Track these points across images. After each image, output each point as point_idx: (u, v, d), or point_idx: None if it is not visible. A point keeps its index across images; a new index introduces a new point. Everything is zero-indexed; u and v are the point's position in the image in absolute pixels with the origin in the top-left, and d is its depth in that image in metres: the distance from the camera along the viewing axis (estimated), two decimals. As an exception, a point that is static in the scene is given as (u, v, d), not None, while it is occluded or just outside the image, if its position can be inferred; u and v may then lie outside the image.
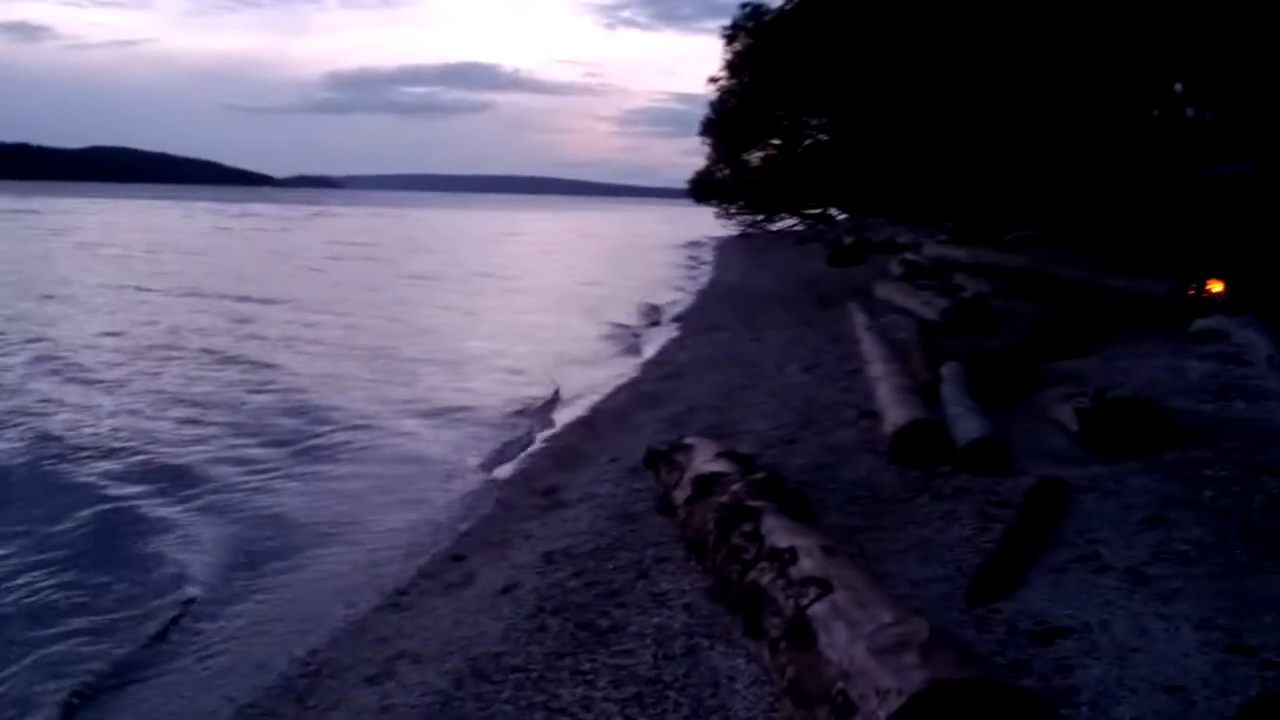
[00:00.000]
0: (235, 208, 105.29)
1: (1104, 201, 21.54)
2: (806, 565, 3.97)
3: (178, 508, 8.34)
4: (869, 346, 10.78)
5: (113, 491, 8.64)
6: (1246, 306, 10.34)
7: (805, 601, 3.70)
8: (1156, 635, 4.03)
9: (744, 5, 54.83)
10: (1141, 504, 5.55)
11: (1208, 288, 11.99)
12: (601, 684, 4.26)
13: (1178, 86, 22.54)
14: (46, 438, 10.29)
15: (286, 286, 27.30)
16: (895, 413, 7.56)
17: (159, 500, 8.50)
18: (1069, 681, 3.76)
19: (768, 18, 52.26)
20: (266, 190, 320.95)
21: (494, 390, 13.42)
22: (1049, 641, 4.10)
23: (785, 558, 4.11)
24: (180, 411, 11.84)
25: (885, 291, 17.56)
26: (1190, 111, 22.72)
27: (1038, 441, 7.21)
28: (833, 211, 55.20)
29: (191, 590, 6.56)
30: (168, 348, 16.34)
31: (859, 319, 13.51)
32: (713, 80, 57.69)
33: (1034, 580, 4.73)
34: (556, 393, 13.24)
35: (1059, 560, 4.94)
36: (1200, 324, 10.16)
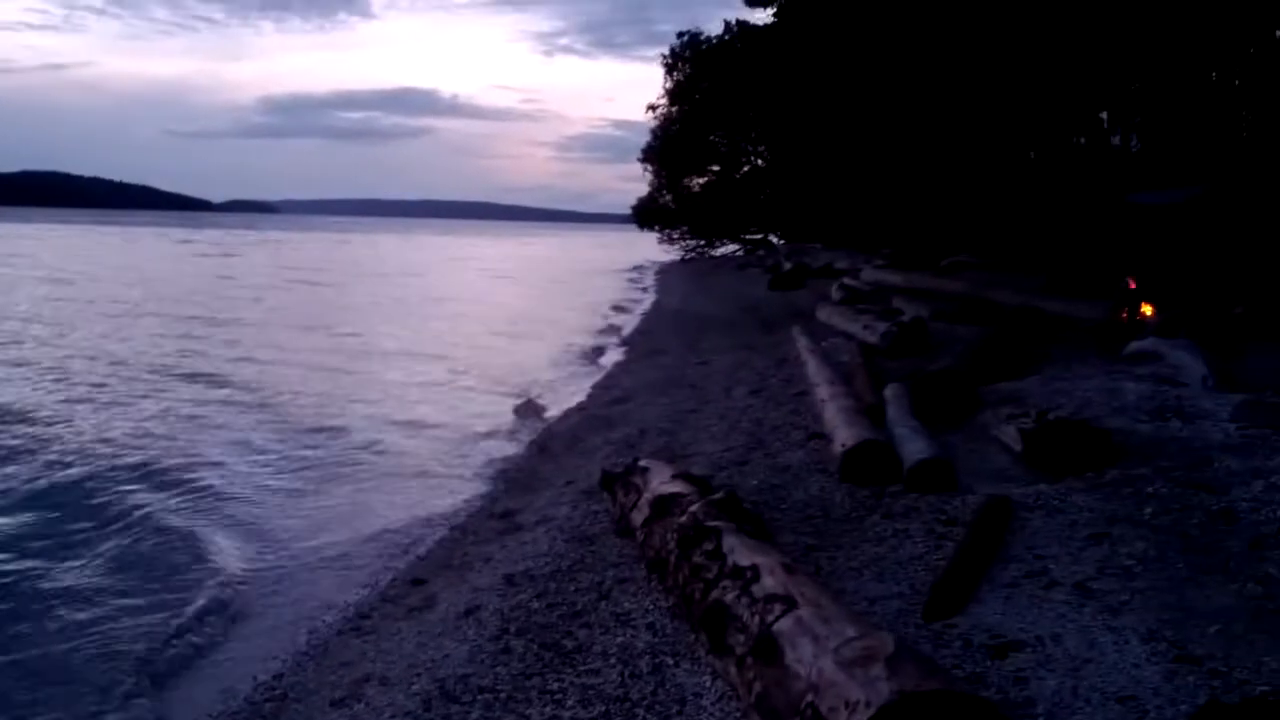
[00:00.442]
0: (179, 232, 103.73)
1: (1035, 227, 22.03)
2: (769, 583, 4.04)
3: (141, 518, 8.37)
4: (814, 369, 10.91)
5: (85, 504, 8.74)
6: (1179, 329, 10.63)
7: (770, 618, 3.77)
8: (1106, 647, 4.16)
9: (681, 35, 55.69)
10: (1085, 520, 5.72)
11: (1141, 311, 12.34)
12: (570, 703, 4.30)
13: (1103, 115, 23.22)
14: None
15: (252, 310, 27.36)
16: (844, 433, 7.68)
17: (129, 513, 8.54)
18: (1025, 693, 3.86)
19: (705, 48, 53.04)
20: (203, 215, 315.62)
21: (446, 415, 13.32)
22: (1004, 655, 4.20)
23: (748, 575, 4.18)
24: (153, 427, 11.98)
25: (826, 315, 17.76)
26: (1116, 140, 23.41)
27: (982, 461, 7.37)
28: (772, 237, 55.87)
29: (152, 616, 6.48)
30: (144, 369, 16.42)
31: (802, 343, 13.69)
32: (652, 108, 58.31)
33: (986, 596, 4.85)
34: (508, 417, 13.18)
35: (1009, 576, 5.07)
36: (1135, 346, 10.40)
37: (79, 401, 13.40)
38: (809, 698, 3.23)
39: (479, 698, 4.47)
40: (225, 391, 14.44)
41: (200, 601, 6.71)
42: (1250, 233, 13.42)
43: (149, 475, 9.88)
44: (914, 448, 7.16)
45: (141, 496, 9.16)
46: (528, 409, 13.53)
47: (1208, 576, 4.82)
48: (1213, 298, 12.09)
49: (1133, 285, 12.83)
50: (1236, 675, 3.85)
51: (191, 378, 15.57)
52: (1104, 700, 3.75)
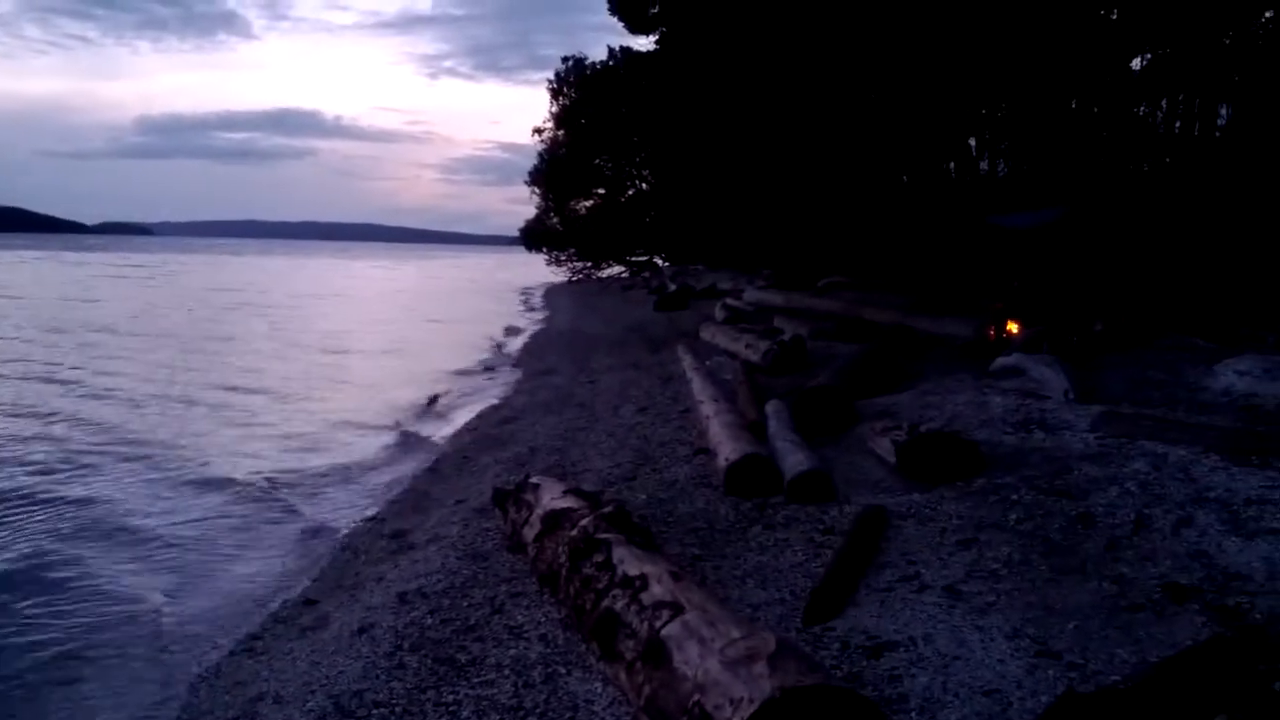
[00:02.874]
0: (70, 256, 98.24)
1: (908, 249, 22.76)
2: (657, 590, 4.17)
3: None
4: (699, 387, 11.12)
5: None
6: (1042, 345, 11.13)
7: (659, 623, 3.89)
8: (974, 645, 4.41)
9: (566, 60, 55.99)
10: (955, 527, 6.03)
11: (1006, 329, 12.89)
12: (465, 714, 4.37)
13: (971, 141, 24.14)
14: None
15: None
16: (728, 448, 7.90)
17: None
18: (899, 690, 4.08)
19: (590, 73, 53.48)
20: (78, 237, 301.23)
21: (336, 435, 13.10)
22: (879, 655, 4.43)
23: (637, 584, 4.31)
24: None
25: (710, 335, 18.06)
26: (984, 165, 24.37)
27: (859, 472, 7.64)
28: (658, 259, 56.44)
29: (38, 639, 6.31)
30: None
31: (687, 361, 13.95)
32: (538, 131, 58.41)
33: (862, 600, 5.09)
34: (399, 437, 13.03)
35: (884, 581, 5.32)
36: (1001, 362, 10.81)
37: None
38: (695, 697, 3.34)
39: (374, 712, 4.50)
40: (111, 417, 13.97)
41: (86, 624, 6.55)
42: (1108, 253, 14.15)
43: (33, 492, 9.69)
44: (794, 461, 7.41)
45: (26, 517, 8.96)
46: (419, 430, 13.45)
47: (1067, 577, 5.12)
48: (1074, 315, 12.68)
49: (999, 304, 13.39)
50: (1092, 667, 4.12)
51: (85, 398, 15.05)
52: (971, 694, 3.98)
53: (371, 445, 12.50)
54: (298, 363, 21.57)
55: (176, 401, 15.69)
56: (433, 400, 16.10)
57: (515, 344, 25.94)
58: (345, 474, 11.02)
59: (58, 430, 12.82)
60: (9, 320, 28.09)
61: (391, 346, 25.20)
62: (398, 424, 13.93)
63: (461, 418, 14.13)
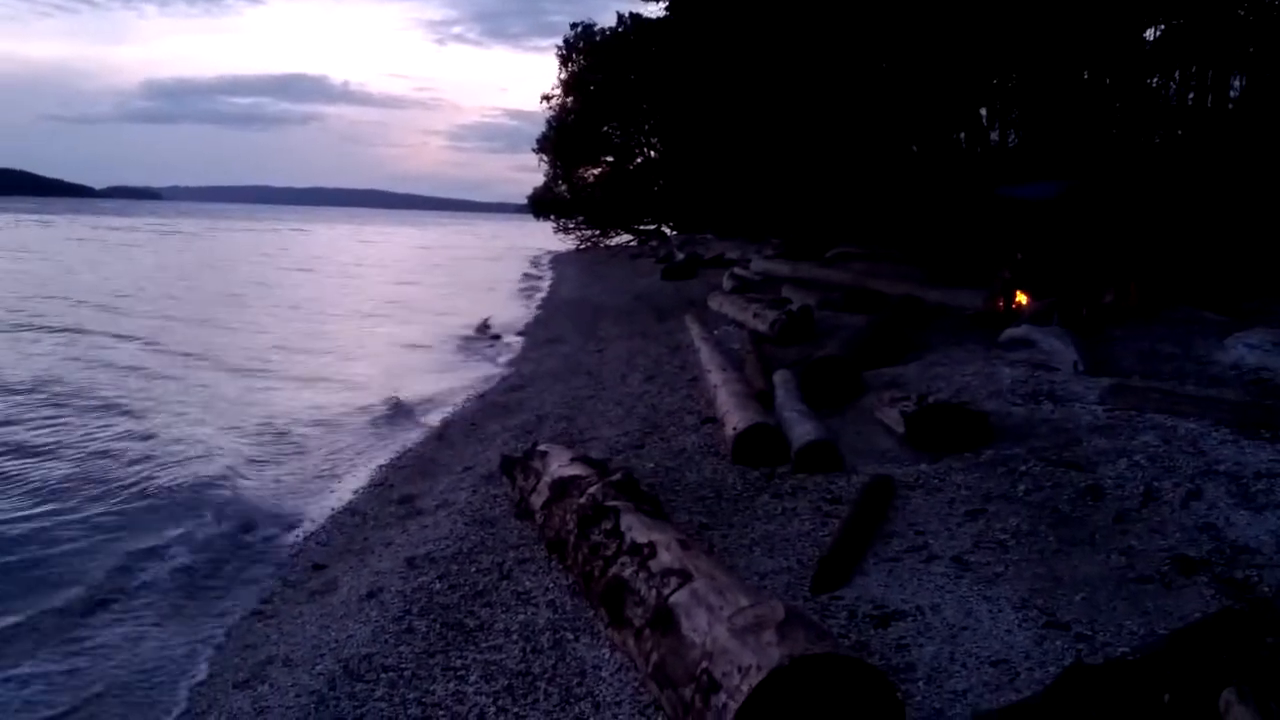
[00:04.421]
0: (90, 219, 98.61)
1: (916, 219, 22.63)
2: (665, 558, 4.18)
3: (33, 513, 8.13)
4: (707, 356, 11.12)
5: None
6: (1051, 317, 11.08)
7: (667, 591, 3.91)
8: (982, 615, 4.42)
9: (575, 26, 55.65)
10: (963, 498, 6.02)
11: (1015, 300, 12.84)
12: (473, 678, 4.40)
13: (982, 111, 23.97)
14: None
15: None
16: (736, 417, 7.89)
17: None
18: (907, 659, 4.10)
19: (599, 39, 53.16)
20: (88, 201, 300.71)
21: (346, 401, 13.14)
22: (886, 624, 4.44)
23: (645, 552, 4.32)
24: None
25: (718, 304, 18.02)
26: (995, 135, 24.20)
27: (867, 442, 7.64)
28: (665, 228, 56.26)
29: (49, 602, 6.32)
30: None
31: (695, 330, 13.93)
32: (546, 98, 58.12)
33: (870, 569, 5.09)
34: (407, 404, 13.05)
35: (892, 551, 5.32)
36: (1010, 333, 10.78)
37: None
38: (704, 665, 3.36)
39: (383, 676, 4.54)
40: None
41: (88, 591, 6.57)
42: (1118, 225, 14.06)
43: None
44: (801, 430, 7.41)
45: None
46: (428, 397, 13.47)
47: (1075, 548, 5.12)
48: (1083, 287, 12.61)
49: (1007, 275, 13.33)
50: (1100, 638, 4.12)
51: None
52: (979, 664, 3.99)
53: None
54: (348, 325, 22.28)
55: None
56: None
57: (523, 312, 25.93)
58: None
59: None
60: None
61: (402, 314, 25.44)
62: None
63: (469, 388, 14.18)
